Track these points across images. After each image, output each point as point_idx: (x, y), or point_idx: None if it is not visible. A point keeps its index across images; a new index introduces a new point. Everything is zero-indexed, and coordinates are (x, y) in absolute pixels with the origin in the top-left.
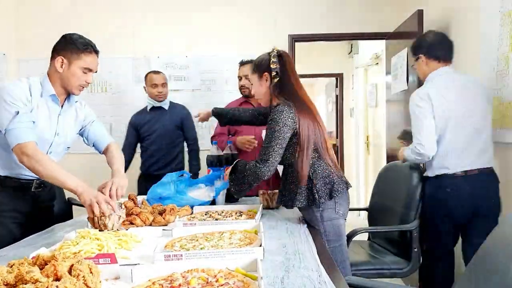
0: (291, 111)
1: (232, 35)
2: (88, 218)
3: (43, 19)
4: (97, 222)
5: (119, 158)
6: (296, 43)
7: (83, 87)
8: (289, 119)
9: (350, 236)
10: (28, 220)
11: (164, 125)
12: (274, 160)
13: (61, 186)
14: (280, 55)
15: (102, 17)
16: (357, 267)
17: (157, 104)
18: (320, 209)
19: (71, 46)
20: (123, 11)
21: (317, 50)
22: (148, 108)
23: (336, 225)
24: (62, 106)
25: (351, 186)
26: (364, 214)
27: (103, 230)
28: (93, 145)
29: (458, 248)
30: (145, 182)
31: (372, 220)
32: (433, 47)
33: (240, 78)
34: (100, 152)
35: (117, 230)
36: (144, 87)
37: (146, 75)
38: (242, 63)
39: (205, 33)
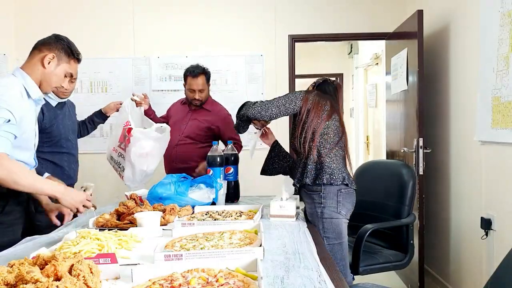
0: (303, 94)
1: (232, 35)
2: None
3: (43, 19)
4: None
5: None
6: (296, 43)
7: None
8: (299, 97)
9: (362, 235)
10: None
11: (73, 124)
12: (267, 108)
13: (38, 193)
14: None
15: (102, 17)
16: (365, 263)
17: (62, 100)
18: (322, 205)
19: (64, 48)
20: (123, 11)
21: (317, 50)
22: (54, 103)
23: (335, 224)
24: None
25: (354, 188)
26: None
27: None
28: None
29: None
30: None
31: (353, 217)
32: None
33: (193, 91)
34: None
35: None
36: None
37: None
38: (195, 75)
39: (205, 33)
